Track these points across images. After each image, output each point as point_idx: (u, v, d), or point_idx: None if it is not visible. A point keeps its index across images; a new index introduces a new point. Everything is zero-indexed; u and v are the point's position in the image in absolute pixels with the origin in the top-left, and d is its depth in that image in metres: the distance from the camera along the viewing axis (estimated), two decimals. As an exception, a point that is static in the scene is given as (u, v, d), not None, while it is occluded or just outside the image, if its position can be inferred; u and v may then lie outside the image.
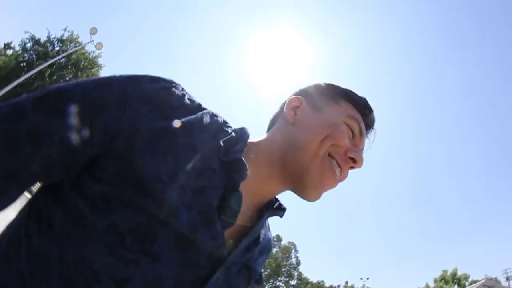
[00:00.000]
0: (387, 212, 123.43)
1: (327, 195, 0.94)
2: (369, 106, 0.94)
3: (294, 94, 0.97)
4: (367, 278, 62.02)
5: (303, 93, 0.96)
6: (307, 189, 0.83)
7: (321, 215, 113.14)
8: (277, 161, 0.82)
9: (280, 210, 0.91)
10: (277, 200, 0.94)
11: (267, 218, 0.88)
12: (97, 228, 0.58)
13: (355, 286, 73.09)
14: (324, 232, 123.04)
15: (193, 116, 0.71)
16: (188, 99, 0.76)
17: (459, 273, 61.68)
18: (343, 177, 0.87)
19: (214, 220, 0.66)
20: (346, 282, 69.43)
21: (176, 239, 0.62)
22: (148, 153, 0.63)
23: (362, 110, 0.91)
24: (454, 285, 58.98)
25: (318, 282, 77.31)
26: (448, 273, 62.19)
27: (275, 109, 1.05)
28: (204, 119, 0.74)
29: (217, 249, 0.67)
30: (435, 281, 62.04)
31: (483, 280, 53.99)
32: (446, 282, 60.12)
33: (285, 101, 0.96)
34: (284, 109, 0.92)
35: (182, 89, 0.78)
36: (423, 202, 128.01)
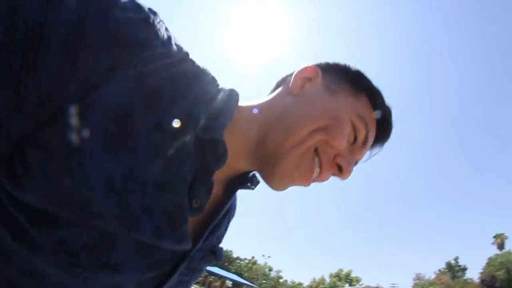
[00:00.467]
0: (300, 199, 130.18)
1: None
2: (391, 119, 0.79)
3: (314, 65, 0.80)
4: (269, 257, 64.96)
5: (323, 67, 0.79)
6: (274, 176, 0.70)
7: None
8: (255, 134, 0.69)
9: (252, 184, 0.78)
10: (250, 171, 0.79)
11: (234, 194, 0.78)
12: (43, 247, 0.46)
13: (258, 262, 77.08)
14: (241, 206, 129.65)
15: (169, 77, 0.53)
16: (175, 44, 0.55)
17: (352, 274, 68.47)
18: (320, 179, 0.73)
19: (181, 221, 0.56)
20: (253, 257, 70.85)
21: (138, 246, 0.52)
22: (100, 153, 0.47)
23: (381, 119, 0.75)
24: (346, 284, 64.69)
25: (226, 251, 76.55)
26: (343, 272, 68.51)
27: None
28: (184, 79, 0.56)
29: (182, 246, 0.59)
30: (330, 276, 67.26)
31: (363, 285, 58.63)
32: (340, 279, 65.63)
33: (300, 68, 0.80)
34: (293, 76, 0.77)
35: (166, 27, 0.55)
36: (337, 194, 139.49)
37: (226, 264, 72.85)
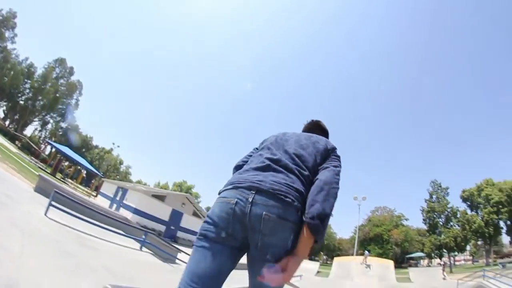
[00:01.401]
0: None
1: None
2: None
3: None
4: (118, 146, 69.50)
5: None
6: None
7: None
8: None
9: None
10: None
11: None
12: None
13: (112, 153, 78.52)
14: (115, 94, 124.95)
15: None
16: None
17: (193, 190, 76.83)
18: None
19: None
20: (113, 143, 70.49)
21: None
22: None
23: None
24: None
25: (86, 136, 76.19)
26: (186, 185, 75.74)
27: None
28: None
29: None
30: (174, 184, 72.67)
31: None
32: (181, 189, 71.19)
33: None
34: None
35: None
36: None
37: (83, 150, 70.98)
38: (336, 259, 33.17)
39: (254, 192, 1.36)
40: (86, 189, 38.16)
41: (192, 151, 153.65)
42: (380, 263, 29.97)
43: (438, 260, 56.65)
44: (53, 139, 59.82)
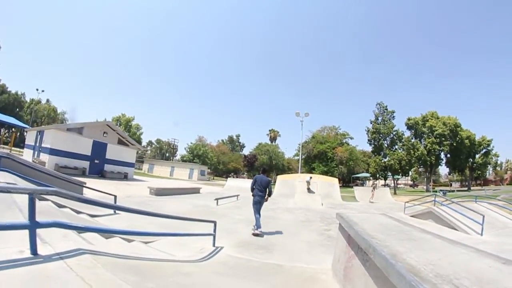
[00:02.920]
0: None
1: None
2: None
3: None
4: (43, 91, 61.32)
5: None
6: None
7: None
8: None
9: None
10: None
11: None
12: None
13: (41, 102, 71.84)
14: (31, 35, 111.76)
15: None
16: None
17: (134, 122, 71.61)
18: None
19: None
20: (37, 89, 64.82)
21: None
22: None
23: None
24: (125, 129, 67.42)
25: (16, 94, 70.71)
26: (125, 118, 70.62)
27: None
28: None
29: None
30: (112, 119, 68.42)
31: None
32: (120, 124, 67.48)
33: None
34: None
35: None
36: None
37: (17, 110, 66.25)
38: (279, 177, 31.44)
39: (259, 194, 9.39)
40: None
41: (124, 82, 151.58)
42: (324, 181, 29.19)
43: (383, 182, 59.29)
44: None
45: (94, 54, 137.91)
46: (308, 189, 24.68)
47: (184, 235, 6.78)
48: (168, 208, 12.69)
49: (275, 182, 29.69)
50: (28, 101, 69.71)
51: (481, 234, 10.24)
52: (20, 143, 37.94)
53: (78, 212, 7.63)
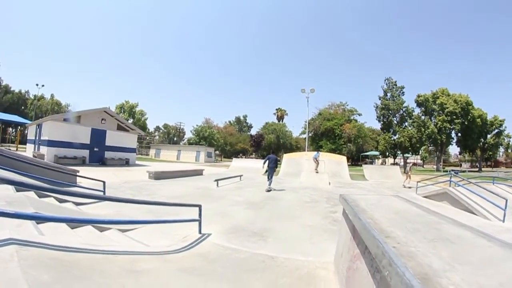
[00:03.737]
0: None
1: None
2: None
3: None
4: (43, 85, 61.24)
5: None
6: None
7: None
8: None
9: None
10: None
11: None
12: None
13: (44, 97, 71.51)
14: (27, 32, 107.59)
15: None
16: None
17: (138, 108, 70.95)
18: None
19: None
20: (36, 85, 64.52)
21: None
22: None
23: None
24: (129, 116, 67.02)
25: (20, 92, 70.11)
26: (128, 104, 70.16)
27: None
28: None
29: None
30: (116, 107, 67.90)
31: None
32: (124, 111, 67.25)
33: None
34: None
35: None
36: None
37: (22, 108, 65.81)
38: (285, 155, 30.41)
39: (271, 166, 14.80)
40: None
41: (126, 70, 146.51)
42: (332, 159, 28.20)
43: (392, 160, 57.88)
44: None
45: (94, 42, 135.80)
46: (316, 170, 23.58)
47: (165, 221, 6.03)
48: (164, 192, 12.12)
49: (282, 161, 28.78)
50: (32, 97, 69.34)
51: (503, 221, 8.95)
52: (25, 139, 37.57)
53: (62, 201, 7.38)
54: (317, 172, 22.71)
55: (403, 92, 46.67)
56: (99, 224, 5.50)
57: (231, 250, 5.08)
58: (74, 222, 5.08)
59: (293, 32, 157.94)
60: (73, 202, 7.76)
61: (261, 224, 7.25)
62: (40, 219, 3.76)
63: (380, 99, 47.47)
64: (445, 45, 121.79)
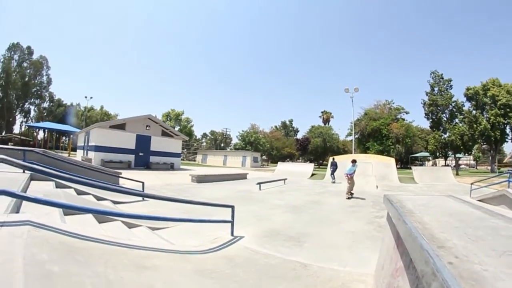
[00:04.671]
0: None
1: None
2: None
3: None
4: (91, 97, 64.61)
5: None
6: None
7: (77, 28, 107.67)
8: None
9: None
10: None
11: None
12: None
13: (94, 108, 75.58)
14: (77, 49, 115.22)
15: None
16: None
17: (184, 116, 72.50)
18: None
19: None
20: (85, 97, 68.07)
21: None
22: None
23: None
24: (176, 123, 68.62)
25: (72, 104, 74.84)
26: (174, 112, 71.97)
27: None
28: None
29: None
30: (162, 115, 69.75)
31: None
32: (170, 119, 68.95)
33: None
34: None
35: None
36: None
37: (74, 119, 68.35)
38: (331, 158, 28.99)
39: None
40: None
41: (170, 79, 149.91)
42: (380, 161, 26.92)
43: (443, 161, 54.52)
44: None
45: (138, 51, 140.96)
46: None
47: (194, 221, 5.92)
48: (204, 194, 12.06)
49: (326, 164, 28.10)
50: (82, 109, 73.44)
51: None
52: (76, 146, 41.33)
53: (100, 199, 7.68)
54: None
55: (451, 86, 42.66)
56: (125, 218, 5.56)
57: (262, 255, 4.71)
58: (100, 214, 5.11)
59: (334, 31, 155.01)
60: (111, 201, 8.04)
61: (299, 228, 6.84)
62: (59, 206, 3.76)
63: (427, 94, 43.83)
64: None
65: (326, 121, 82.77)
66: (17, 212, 3.78)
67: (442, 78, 43.55)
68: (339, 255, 5.06)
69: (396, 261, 2.32)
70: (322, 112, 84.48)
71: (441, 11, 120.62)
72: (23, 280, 1.75)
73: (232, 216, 6.09)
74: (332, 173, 22.66)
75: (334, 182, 20.75)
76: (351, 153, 43.83)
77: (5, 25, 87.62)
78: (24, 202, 4.26)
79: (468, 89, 44.08)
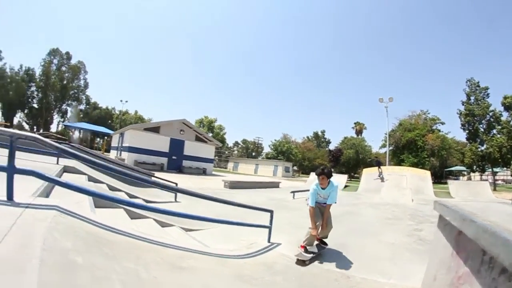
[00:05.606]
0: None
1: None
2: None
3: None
4: (126, 101, 67.15)
5: None
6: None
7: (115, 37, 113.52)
8: None
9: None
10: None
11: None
12: None
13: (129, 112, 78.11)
14: (114, 55, 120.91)
15: None
16: None
17: (217, 123, 73.45)
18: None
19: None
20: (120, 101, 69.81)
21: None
22: None
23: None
24: (208, 130, 69.30)
25: (107, 108, 79.02)
26: (207, 119, 72.72)
27: None
28: None
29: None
30: (196, 121, 70.70)
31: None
32: (203, 125, 69.71)
33: None
34: None
35: None
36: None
37: (109, 122, 73.63)
38: (365, 170, 28.55)
39: None
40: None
41: (206, 86, 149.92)
42: (415, 174, 25.85)
43: (478, 176, 51.80)
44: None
45: (175, 59, 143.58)
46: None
47: (231, 223, 5.60)
48: (237, 200, 11.71)
49: (358, 177, 27.57)
50: (117, 113, 77.28)
51: None
52: (110, 147, 43.15)
53: (132, 197, 8.00)
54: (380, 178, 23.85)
55: (487, 94, 40.02)
56: (159, 214, 5.49)
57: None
58: (133, 208, 4.98)
59: (370, 40, 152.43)
60: (144, 200, 8.17)
61: (336, 238, 6.69)
62: (90, 194, 3.61)
63: (463, 104, 41.49)
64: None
65: (358, 132, 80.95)
66: (46, 197, 3.82)
67: (479, 86, 41.35)
68: (381, 267, 4.88)
69: (457, 268, 2.18)
70: (355, 123, 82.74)
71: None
72: (38, 268, 1.60)
73: (271, 222, 6.02)
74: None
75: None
76: (384, 165, 42.21)
77: (46, 31, 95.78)
78: (54, 191, 4.41)
79: (506, 97, 40.82)
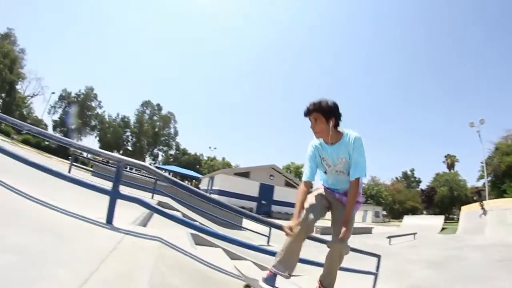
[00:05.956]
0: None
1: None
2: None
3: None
4: (215, 148, 72.42)
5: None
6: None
7: (203, 89, 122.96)
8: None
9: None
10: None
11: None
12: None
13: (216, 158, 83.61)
14: (202, 106, 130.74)
15: None
16: None
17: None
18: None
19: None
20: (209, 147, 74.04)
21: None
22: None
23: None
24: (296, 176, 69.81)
25: (195, 154, 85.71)
26: (294, 165, 73.82)
27: None
28: None
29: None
30: (283, 167, 71.98)
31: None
32: (290, 172, 70.46)
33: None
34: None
35: None
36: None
37: (197, 166, 78.32)
38: (463, 208, 25.75)
39: None
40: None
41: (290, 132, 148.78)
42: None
43: None
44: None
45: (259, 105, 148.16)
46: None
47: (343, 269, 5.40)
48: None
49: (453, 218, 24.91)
50: (206, 159, 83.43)
51: None
52: None
53: None
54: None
55: None
56: (261, 253, 5.13)
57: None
58: (233, 243, 4.14)
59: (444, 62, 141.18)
60: None
61: (444, 285, 6.51)
62: (199, 229, 3.76)
63: None
64: None
65: (450, 166, 72.66)
66: (144, 227, 3.73)
67: None
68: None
69: None
70: (445, 157, 74.54)
71: None
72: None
73: (377, 267, 5.67)
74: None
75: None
76: (484, 199, 34.47)
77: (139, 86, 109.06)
78: (149, 223, 4.46)
79: None
